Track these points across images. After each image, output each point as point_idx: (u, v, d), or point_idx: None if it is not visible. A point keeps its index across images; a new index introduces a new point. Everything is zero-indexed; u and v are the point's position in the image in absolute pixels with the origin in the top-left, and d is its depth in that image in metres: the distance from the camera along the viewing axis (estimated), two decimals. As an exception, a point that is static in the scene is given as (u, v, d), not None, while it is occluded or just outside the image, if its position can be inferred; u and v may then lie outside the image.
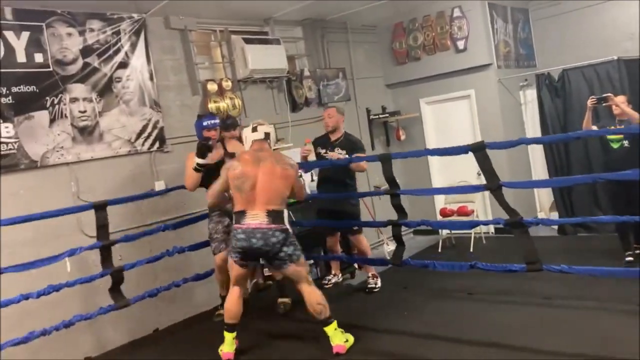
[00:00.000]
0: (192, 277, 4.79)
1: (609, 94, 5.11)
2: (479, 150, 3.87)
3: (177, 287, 4.38)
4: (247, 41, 5.98)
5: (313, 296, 3.71)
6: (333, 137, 5.12)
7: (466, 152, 3.96)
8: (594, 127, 5.15)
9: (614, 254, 5.11)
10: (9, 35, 4.37)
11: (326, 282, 5.25)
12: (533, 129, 7.49)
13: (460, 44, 7.26)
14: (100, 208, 4.18)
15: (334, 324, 3.71)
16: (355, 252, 5.43)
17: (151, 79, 5.29)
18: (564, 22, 7.62)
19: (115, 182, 4.90)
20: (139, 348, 4.50)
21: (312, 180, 6.26)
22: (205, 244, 4.69)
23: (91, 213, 4.22)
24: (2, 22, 4.34)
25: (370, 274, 5.14)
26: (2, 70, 4.31)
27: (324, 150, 5.10)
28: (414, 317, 4.14)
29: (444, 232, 7.17)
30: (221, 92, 5.85)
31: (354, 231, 5.13)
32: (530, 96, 7.55)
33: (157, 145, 5.27)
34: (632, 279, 3.66)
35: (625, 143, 5.04)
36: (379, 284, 5.07)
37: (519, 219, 3.75)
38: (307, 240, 5.71)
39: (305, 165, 5.23)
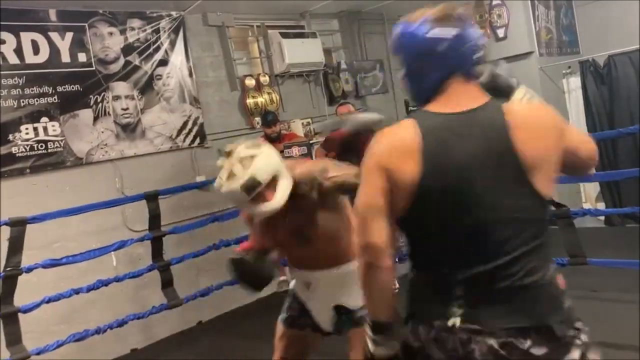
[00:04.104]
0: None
1: None
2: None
3: (230, 285, 4.24)
4: (284, 35, 5.99)
5: None
6: None
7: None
8: None
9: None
10: (54, 36, 4.50)
11: None
12: (577, 117, 7.27)
13: (500, 32, 7.09)
14: (151, 198, 4.22)
15: None
16: None
17: (190, 75, 5.37)
18: (608, 6, 7.36)
19: (157, 177, 4.98)
20: (184, 340, 4.58)
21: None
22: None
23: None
24: (47, 24, 4.47)
25: None
26: (48, 70, 4.45)
27: None
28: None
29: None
30: (259, 87, 5.89)
31: None
32: (573, 84, 7.33)
33: (197, 141, 5.35)
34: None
35: None
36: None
37: (565, 210, 3.65)
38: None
39: None
